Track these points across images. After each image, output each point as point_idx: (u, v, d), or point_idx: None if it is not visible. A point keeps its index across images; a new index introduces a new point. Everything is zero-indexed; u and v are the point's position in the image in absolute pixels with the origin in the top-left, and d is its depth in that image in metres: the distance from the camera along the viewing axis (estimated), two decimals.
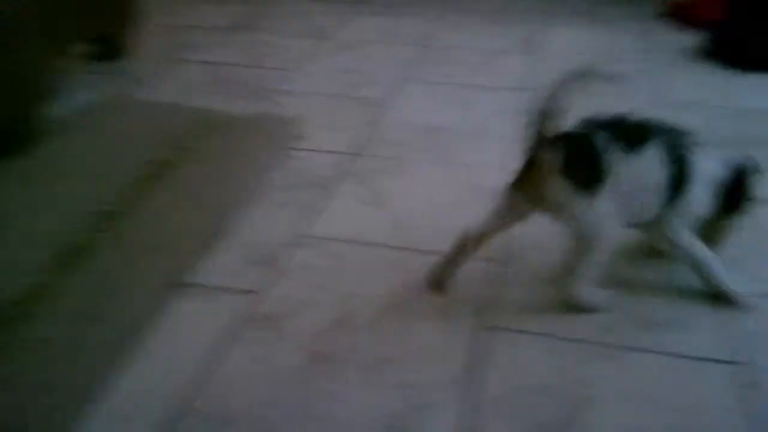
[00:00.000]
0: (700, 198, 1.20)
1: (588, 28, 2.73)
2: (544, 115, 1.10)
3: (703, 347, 1.15)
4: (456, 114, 1.98)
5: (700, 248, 1.23)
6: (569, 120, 1.14)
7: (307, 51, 2.45)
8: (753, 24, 2.29)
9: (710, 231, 1.26)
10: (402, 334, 1.17)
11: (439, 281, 1.26)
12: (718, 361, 1.13)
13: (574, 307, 1.21)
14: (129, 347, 1.10)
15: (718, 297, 1.24)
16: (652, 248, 1.31)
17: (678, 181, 1.16)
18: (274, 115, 1.92)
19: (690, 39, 2.53)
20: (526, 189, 1.16)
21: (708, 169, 1.20)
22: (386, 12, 2.91)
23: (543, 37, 2.62)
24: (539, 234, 1.31)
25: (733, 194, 1.23)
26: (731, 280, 1.23)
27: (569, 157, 1.10)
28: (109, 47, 2.22)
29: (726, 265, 1.25)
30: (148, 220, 1.40)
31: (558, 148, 1.11)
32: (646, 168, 1.14)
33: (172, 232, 1.37)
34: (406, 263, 1.34)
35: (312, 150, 1.76)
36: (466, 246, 1.23)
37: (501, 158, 1.70)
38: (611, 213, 1.14)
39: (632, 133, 1.15)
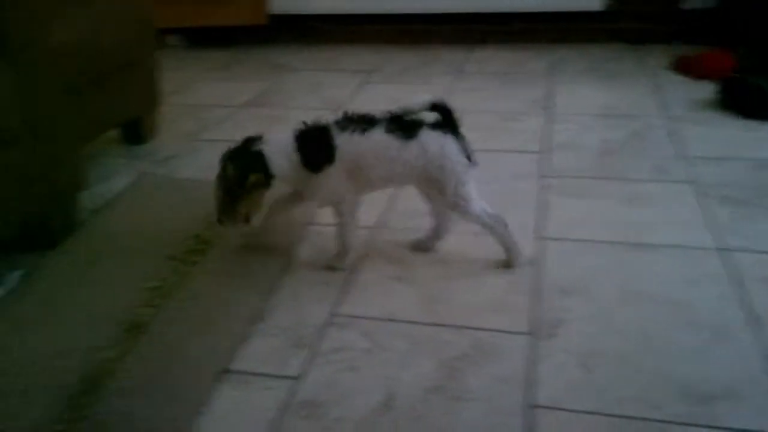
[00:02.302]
0: None
1: (597, 84, 2.76)
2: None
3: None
4: (475, 180, 1.97)
5: None
6: None
7: None
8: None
9: None
10: (447, 418, 1.13)
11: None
12: None
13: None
14: (183, 429, 1.10)
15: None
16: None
17: None
18: None
19: (701, 91, 2.55)
20: None
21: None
22: (396, 80, 2.97)
23: (554, 96, 2.65)
24: None
25: None
26: None
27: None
28: (135, 131, 2.26)
29: None
30: (193, 299, 1.42)
31: None
32: None
33: (216, 313, 1.37)
34: (443, 341, 1.31)
35: (332, 224, 1.75)
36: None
37: (523, 223, 1.71)
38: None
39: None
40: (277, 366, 1.27)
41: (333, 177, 1.46)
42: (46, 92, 1.56)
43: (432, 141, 1.44)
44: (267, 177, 1.44)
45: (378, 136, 1.44)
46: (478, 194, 1.50)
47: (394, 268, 1.56)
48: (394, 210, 1.83)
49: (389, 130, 1.44)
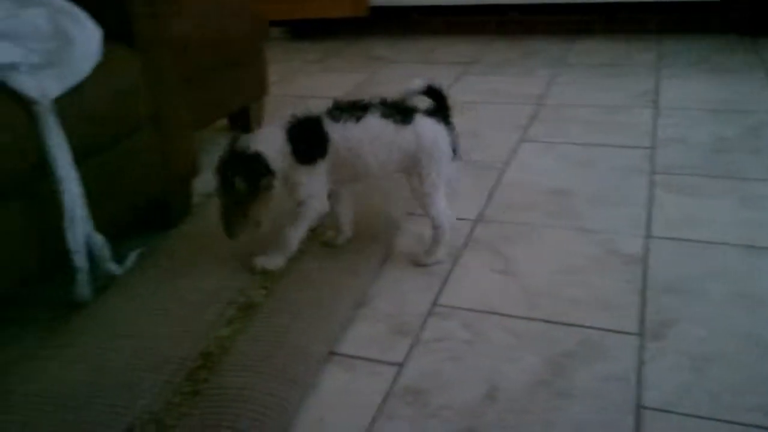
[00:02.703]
0: None
1: (708, 78, 2.64)
2: None
3: None
4: (579, 175, 1.94)
5: None
6: None
7: None
8: None
9: None
10: (553, 413, 1.12)
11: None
12: None
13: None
14: (293, 408, 1.15)
15: None
16: None
17: None
18: (394, 177, 1.94)
19: None
20: None
21: None
22: (495, 72, 2.94)
23: (661, 89, 2.55)
24: None
25: None
26: None
27: None
28: (242, 120, 2.37)
29: None
30: (301, 282, 1.47)
31: None
32: None
33: (322, 296, 1.41)
34: (548, 337, 1.30)
35: None
36: None
37: (631, 220, 1.66)
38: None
39: None
40: (381, 351, 1.30)
41: (320, 170, 1.44)
42: (168, 81, 1.65)
43: (426, 128, 1.44)
44: (272, 177, 1.40)
45: (373, 121, 1.43)
46: (444, 192, 1.50)
47: (496, 261, 1.56)
48: (493, 202, 1.82)
49: (384, 116, 1.43)
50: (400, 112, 1.45)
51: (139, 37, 1.54)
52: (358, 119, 1.43)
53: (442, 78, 2.87)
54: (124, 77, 1.48)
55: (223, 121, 2.39)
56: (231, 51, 2.09)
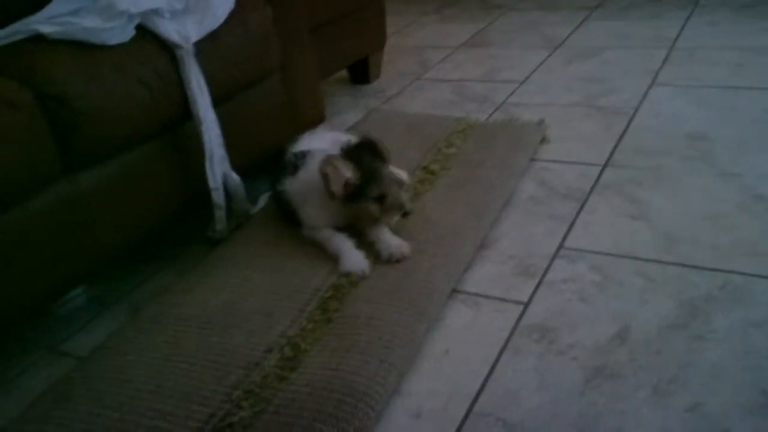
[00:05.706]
0: None
1: None
2: None
3: None
4: (716, 119, 1.81)
5: None
6: None
7: (540, 61, 2.41)
8: None
9: None
10: (688, 355, 1.08)
11: None
12: None
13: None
14: (419, 338, 1.18)
15: None
16: None
17: None
18: (518, 124, 1.90)
19: None
20: None
21: None
22: (620, 16, 2.79)
23: None
24: None
25: None
26: None
27: None
28: (362, 71, 2.40)
29: None
30: (425, 223, 1.47)
31: None
32: None
33: (445, 236, 1.41)
34: (685, 281, 1.24)
35: (557, 161, 1.72)
36: None
37: None
38: None
39: None
40: (505, 290, 1.29)
41: None
42: (297, 30, 1.70)
43: None
44: None
45: None
46: None
47: (627, 205, 1.50)
48: (622, 147, 1.74)
49: None
50: None
51: None
52: None
53: (564, 24, 2.76)
54: (256, 24, 1.54)
55: (343, 73, 2.43)
56: (354, 2, 2.11)
